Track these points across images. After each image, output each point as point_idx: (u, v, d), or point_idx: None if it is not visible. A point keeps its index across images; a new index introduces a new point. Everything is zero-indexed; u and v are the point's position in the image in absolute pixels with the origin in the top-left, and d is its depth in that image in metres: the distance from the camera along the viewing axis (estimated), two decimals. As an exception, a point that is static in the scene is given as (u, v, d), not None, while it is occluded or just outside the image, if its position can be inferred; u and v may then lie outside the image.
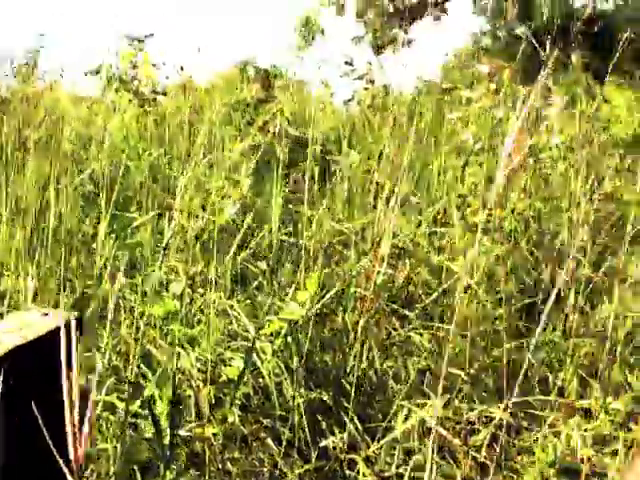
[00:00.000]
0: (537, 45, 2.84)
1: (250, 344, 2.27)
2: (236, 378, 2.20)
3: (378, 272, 2.34)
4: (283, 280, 2.69)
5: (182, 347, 2.39)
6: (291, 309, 2.16)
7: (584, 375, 2.36)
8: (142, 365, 2.35)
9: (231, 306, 2.29)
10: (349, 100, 6.43)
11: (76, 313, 1.18)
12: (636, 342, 2.38)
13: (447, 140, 4.12)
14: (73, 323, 1.12)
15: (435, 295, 2.34)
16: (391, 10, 18.40)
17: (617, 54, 3.30)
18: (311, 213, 2.78)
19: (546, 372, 2.49)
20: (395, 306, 2.34)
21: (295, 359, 2.27)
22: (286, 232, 2.86)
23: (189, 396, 2.26)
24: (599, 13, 16.42)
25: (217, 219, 2.32)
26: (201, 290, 2.59)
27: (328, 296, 2.20)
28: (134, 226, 2.83)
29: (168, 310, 2.47)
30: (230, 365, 2.25)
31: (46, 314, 1.19)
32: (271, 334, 2.23)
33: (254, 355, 2.20)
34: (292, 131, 4.56)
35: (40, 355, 1.13)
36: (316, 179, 3.06)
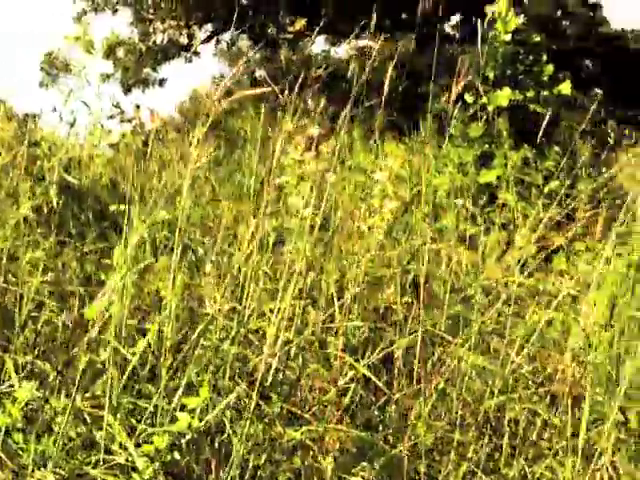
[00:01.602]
0: (277, 89, 2.78)
1: (124, 460, 1.92)
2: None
3: (268, 370, 2.11)
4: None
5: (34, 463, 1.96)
6: (181, 420, 1.86)
7: (474, 468, 2.29)
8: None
9: (100, 416, 1.93)
10: (116, 144, 6.12)
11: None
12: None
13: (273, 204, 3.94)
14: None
15: (330, 394, 2.15)
16: (143, 49, 18.14)
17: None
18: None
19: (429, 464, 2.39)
20: (289, 407, 2.12)
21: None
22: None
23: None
24: (333, 60, 17.17)
25: (87, 312, 1.95)
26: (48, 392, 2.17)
27: (223, 404, 1.92)
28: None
29: (13, 421, 2.03)
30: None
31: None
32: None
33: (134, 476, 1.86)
34: (74, 180, 4.12)
35: None
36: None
